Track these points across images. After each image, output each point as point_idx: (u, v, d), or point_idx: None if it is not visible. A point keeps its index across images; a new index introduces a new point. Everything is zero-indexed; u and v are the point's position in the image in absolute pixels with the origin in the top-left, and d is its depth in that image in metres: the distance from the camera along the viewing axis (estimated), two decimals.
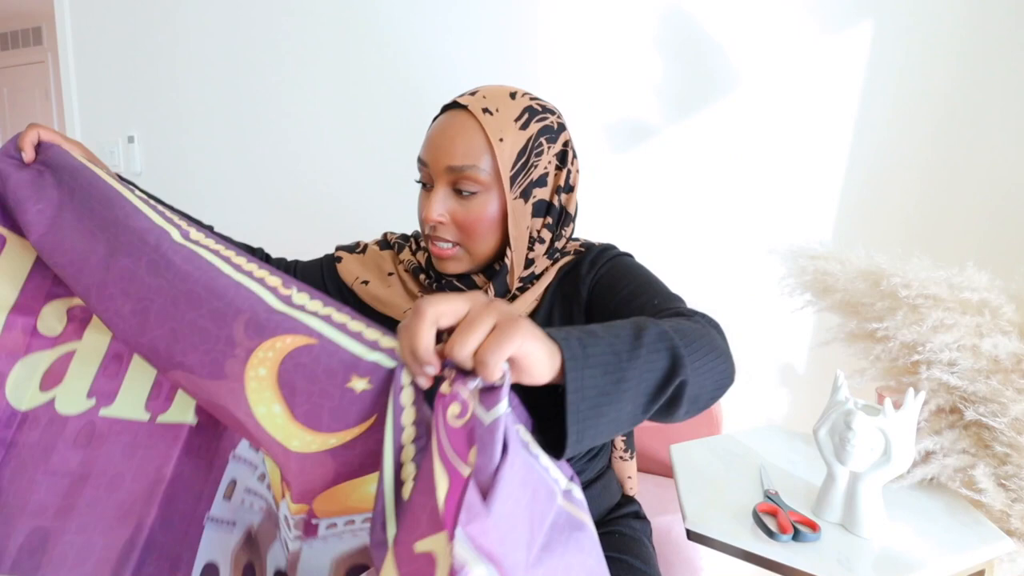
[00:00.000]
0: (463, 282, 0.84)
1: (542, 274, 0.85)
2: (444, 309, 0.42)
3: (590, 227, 1.44)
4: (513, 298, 0.84)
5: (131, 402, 0.57)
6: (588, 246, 0.89)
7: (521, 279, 0.83)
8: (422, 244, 0.94)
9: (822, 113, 1.45)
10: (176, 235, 0.54)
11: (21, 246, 0.58)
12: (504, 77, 1.60)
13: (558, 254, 0.87)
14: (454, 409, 0.41)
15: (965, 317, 0.96)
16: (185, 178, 1.98)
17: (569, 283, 0.84)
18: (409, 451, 0.44)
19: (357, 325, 0.48)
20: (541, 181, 0.81)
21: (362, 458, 0.47)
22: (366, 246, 0.97)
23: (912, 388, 0.87)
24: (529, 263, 0.83)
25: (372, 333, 0.47)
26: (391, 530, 0.43)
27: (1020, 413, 0.93)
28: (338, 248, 0.98)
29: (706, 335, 0.59)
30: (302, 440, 0.46)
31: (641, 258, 0.97)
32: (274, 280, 0.51)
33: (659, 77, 1.51)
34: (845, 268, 1.07)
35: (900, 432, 0.84)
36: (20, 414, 0.56)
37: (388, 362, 0.46)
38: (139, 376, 0.58)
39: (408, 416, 0.44)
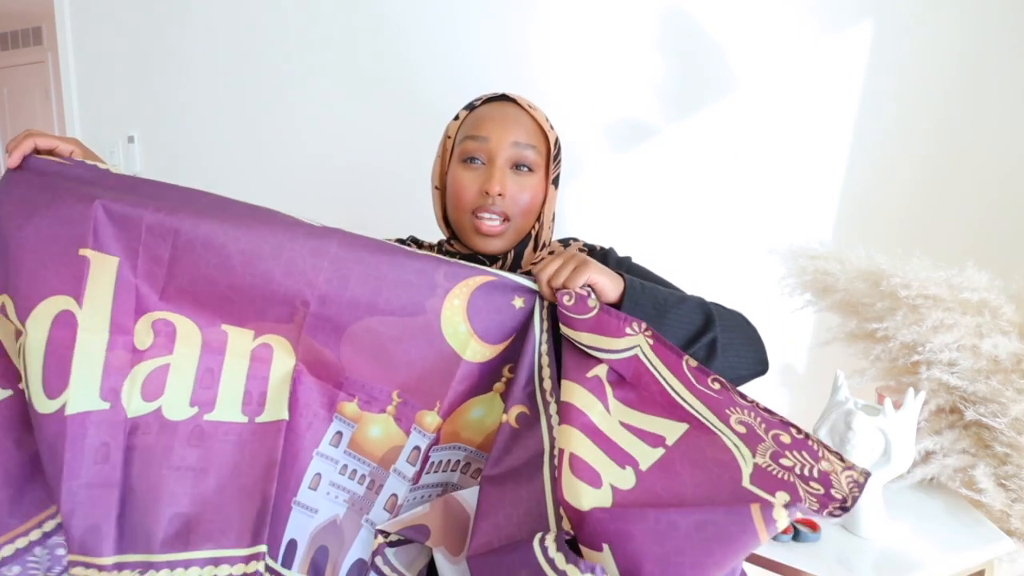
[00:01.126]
0: (493, 262, 0.89)
1: None
2: (551, 266, 0.71)
3: (590, 227, 1.44)
4: None
5: (229, 408, 0.68)
6: (590, 247, 0.94)
7: (532, 263, 0.90)
8: (421, 242, 0.97)
9: (822, 113, 1.45)
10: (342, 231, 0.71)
11: (102, 267, 0.64)
12: (505, 76, 1.60)
13: (560, 248, 0.94)
14: (566, 299, 0.68)
15: (965, 317, 0.96)
16: (185, 178, 1.97)
17: None
18: (544, 359, 0.70)
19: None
20: (559, 178, 0.90)
21: (489, 376, 0.72)
22: None
23: (912, 388, 0.87)
24: (542, 247, 0.91)
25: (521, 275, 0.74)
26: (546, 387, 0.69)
27: (1020, 413, 0.93)
28: None
29: (741, 319, 0.82)
30: (474, 350, 0.70)
31: (641, 259, 0.98)
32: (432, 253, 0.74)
33: (659, 77, 1.51)
34: (845, 268, 1.07)
35: (900, 432, 0.84)
36: (129, 421, 0.65)
37: (533, 286, 0.72)
38: (230, 386, 0.69)
39: (544, 329, 0.71)
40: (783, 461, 0.60)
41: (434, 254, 0.72)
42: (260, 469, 0.67)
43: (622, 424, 0.65)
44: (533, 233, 0.88)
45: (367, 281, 0.67)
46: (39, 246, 0.62)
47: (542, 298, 0.73)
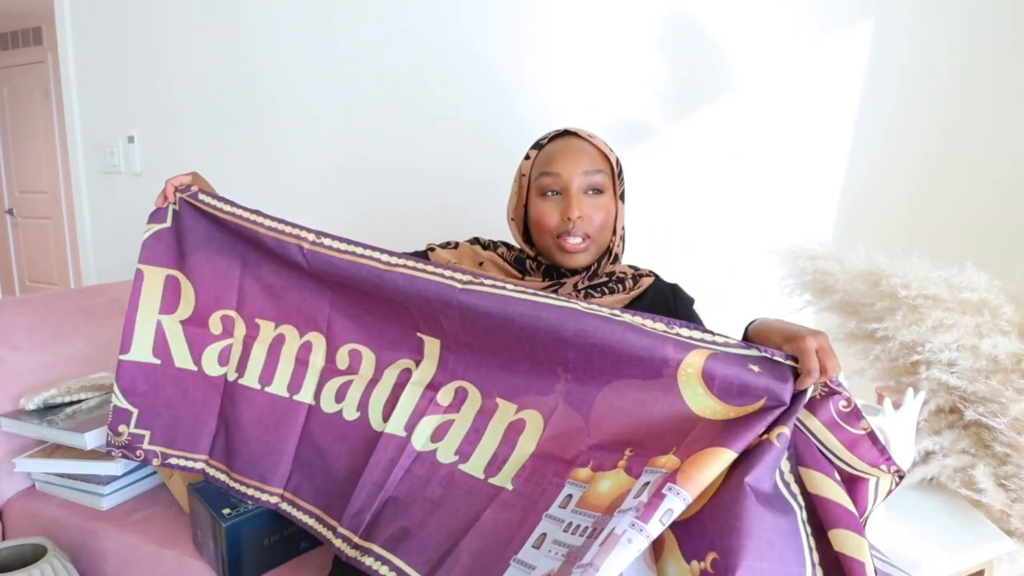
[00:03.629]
0: (574, 273, 0.99)
1: (623, 279, 1.02)
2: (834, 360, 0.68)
3: None
4: (601, 294, 0.99)
5: (478, 465, 0.82)
6: (655, 274, 1.06)
7: (607, 273, 1.02)
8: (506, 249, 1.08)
9: (822, 113, 1.45)
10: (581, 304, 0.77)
11: (430, 344, 0.89)
12: (505, 77, 1.60)
13: (632, 271, 1.05)
14: (843, 404, 0.69)
15: (965, 317, 0.96)
16: None
17: (657, 306, 1.01)
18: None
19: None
20: (624, 193, 1.02)
21: (735, 433, 0.67)
22: (458, 243, 1.11)
23: (912, 388, 0.87)
24: (615, 259, 1.03)
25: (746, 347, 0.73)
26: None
27: (1020, 413, 0.93)
28: (429, 244, 1.10)
29: None
30: (713, 409, 0.71)
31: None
32: (656, 323, 0.75)
33: (659, 77, 1.51)
34: (845, 268, 1.07)
35: (900, 432, 0.84)
36: (416, 453, 0.86)
37: (761, 353, 0.70)
38: (486, 447, 0.83)
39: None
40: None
41: (657, 330, 0.74)
42: (467, 519, 0.79)
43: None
44: (611, 246, 1.00)
45: (606, 356, 0.74)
46: (391, 319, 0.89)
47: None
